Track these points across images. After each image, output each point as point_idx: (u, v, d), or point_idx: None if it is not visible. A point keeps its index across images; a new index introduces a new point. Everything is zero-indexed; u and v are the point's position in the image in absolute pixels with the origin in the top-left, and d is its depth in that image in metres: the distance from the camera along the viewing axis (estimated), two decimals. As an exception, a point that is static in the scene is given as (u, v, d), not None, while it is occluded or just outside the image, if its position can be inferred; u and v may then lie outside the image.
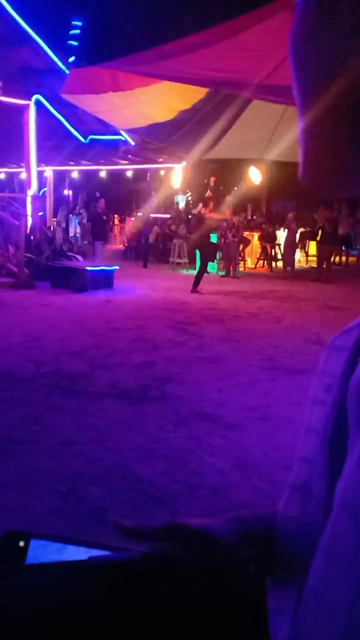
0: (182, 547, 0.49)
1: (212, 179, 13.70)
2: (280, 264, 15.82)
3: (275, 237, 16.35)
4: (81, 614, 0.37)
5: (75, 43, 17.72)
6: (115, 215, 23.48)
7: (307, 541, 0.49)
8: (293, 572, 0.52)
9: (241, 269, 15.27)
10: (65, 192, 22.43)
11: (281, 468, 3.59)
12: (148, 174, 16.22)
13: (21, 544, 0.46)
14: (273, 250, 16.26)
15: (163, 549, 0.48)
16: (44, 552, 0.46)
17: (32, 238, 12.52)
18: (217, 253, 13.63)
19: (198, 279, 11.09)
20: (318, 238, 14.09)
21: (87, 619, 0.37)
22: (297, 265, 16.19)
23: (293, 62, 0.49)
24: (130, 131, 12.46)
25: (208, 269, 11.97)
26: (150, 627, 0.38)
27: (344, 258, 18.04)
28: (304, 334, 7.54)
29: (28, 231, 12.37)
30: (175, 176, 15.75)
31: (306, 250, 18.65)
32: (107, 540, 0.48)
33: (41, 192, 15.39)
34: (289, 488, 0.57)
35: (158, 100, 8.65)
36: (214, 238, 12.66)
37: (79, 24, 17.95)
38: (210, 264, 13.89)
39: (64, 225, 19.41)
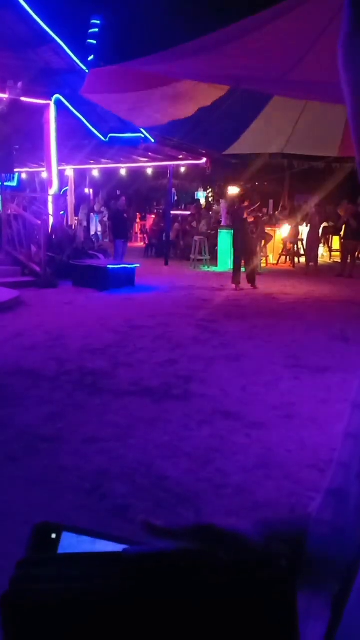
0: (212, 545, 0.49)
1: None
2: (303, 259, 15.69)
3: (297, 233, 16.21)
4: (114, 603, 0.38)
5: (94, 42, 17.75)
6: (137, 213, 23.51)
7: (340, 545, 0.50)
8: (324, 575, 0.53)
9: (263, 265, 15.18)
10: (86, 190, 22.53)
11: (305, 466, 3.56)
12: (168, 171, 16.20)
13: (53, 536, 0.47)
14: (295, 246, 16.13)
15: (194, 546, 0.48)
16: (75, 545, 0.47)
17: (53, 237, 12.61)
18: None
19: (252, 275, 11.33)
20: (342, 233, 13.93)
21: (120, 609, 0.38)
22: (320, 260, 16.03)
23: (342, 69, 0.48)
24: (150, 129, 12.44)
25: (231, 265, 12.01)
26: (180, 617, 0.38)
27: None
28: (328, 331, 7.46)
29: (50, 230, 12.46)
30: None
31: (330, 245, 18.45)
32: (136, 537, 0.48)
33: (62, 191, 15.48)
34: (324, 491, 0.57)
35: (178, 97, 8.63)
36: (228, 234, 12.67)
37: (98, 22, 17.95)
38: (227, 260, 13.87)
39: (85, 223, 19.50)
